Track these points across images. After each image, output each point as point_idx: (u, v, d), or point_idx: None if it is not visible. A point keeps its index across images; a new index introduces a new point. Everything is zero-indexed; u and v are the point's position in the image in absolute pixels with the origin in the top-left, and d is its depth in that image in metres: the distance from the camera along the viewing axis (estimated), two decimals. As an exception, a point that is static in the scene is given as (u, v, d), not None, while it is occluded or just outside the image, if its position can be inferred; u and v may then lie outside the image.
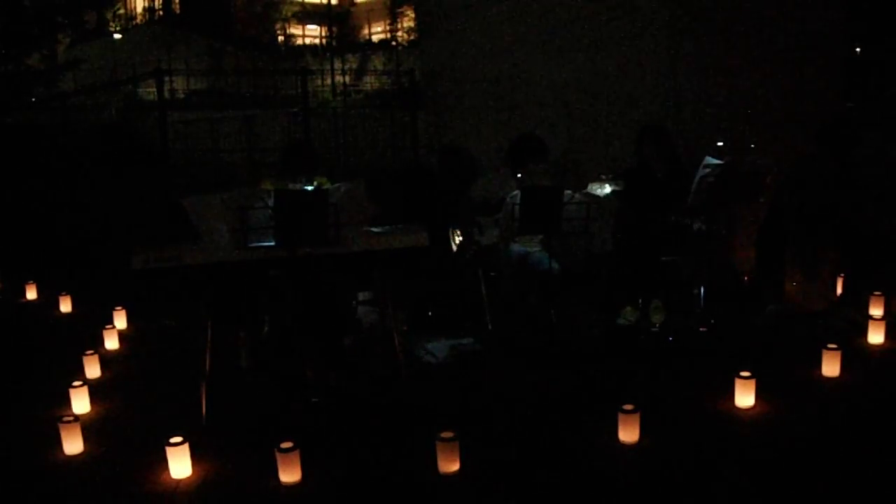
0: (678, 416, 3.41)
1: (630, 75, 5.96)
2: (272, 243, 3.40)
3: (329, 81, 25.95)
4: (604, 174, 5.42)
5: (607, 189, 5.19)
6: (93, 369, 4.22)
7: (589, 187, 5.28)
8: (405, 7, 32.83)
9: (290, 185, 4.31)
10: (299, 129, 11.66)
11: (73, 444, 3.25)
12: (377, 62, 30.44)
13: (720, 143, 5.50)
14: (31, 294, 6.28)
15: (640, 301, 4.69)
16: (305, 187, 4.20)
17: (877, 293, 4.60)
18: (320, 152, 4.84)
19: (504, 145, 6.32)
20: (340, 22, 37.10)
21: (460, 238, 4.73)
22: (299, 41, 36.39)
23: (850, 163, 4.78)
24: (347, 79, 28.19)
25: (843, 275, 4.97)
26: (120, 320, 5.13)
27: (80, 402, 3.70)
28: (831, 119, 5.00)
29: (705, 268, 4.57)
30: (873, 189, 4.98)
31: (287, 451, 2.88)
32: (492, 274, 4.72)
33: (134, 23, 36.24)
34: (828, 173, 4.71)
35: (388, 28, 36.18)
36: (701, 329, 4.47)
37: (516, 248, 4.70)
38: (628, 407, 3.13)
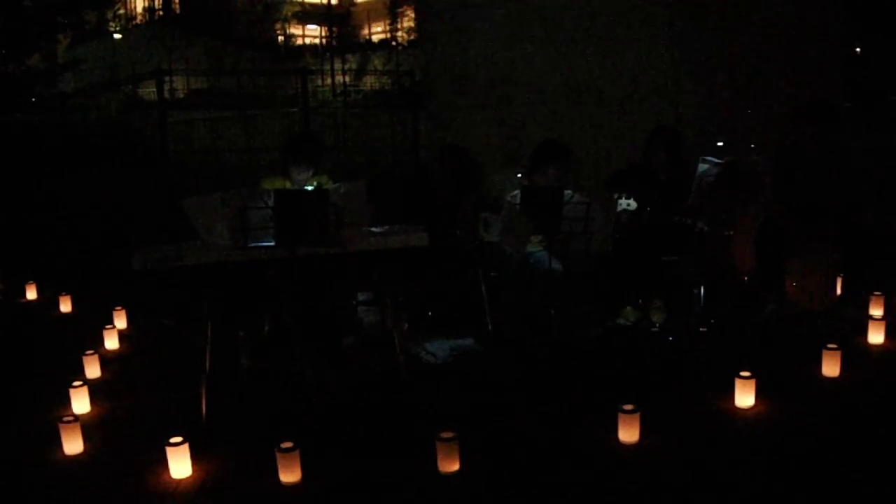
0: (678, 416, 3.41)
1: (630, 75, 5.96)
2: (272, 243, 3.40)
3: (329, 81, 25.95)
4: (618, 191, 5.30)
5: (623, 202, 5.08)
6: (93, 369, 4.22)
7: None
8: (405, 7, 32.83)
9: (294, 174, 4.31)
10: (300, 129, 11.64)
11: (73, 444, 3.25)
12: (377, 62, 30.45)
13: (720, 143, 5.50)
14: (31, 294, 6.27)
15: (640, 301, 4.69)
16: (305, 187, 4.20)
17: (877, 293, 4.60)
18: (324, 143, 4.82)
19: (504, 145, 6.33)
20: (340, 22, 37.10)
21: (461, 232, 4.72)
22: (299, 41, 36.37)
23: (833, 146, 4.73)
24: (347, 79, 28.19)
25: (843, 275, 4.97)
26: (120, 320, 5.13)
27: (80, 402, 3.70)
28: (809, 101, 4.95)
29: (705, 268, 4.57)
30: (873, 189, 4.97)
31: (287, 451, 2.88)
32: (492, 274, 4.71)
33: (134, 23, 36.21)
34: (811, 157, 4.68)
35: (388, 28, 36.17)
36: (701, 329, 4.47)
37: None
38: (628, 407, 3.13)
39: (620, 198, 4.39)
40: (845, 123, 4.91)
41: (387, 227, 3.89)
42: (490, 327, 4.54)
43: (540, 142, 4.80)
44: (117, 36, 31.56)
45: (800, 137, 4.72)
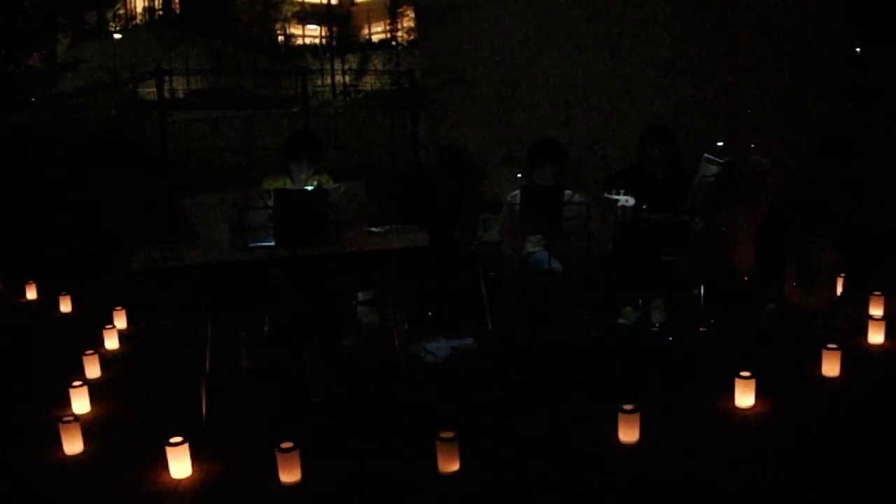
0: (678, 416, 3.41)
1: (630, 75, 5.96)
2: (272, 243, 3.40)
3: (329, 81, 25.94)
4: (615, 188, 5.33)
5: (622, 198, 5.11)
6: (93, 369, 4.22)
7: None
8: (405, 7, 32.81)
9: (294, 171, 4.31)
10: (300, 129, 11.63)
11: (73, 444, 3.25)
12: (377, 62, 30.45)
13: (720, 143, 5.50)
14: (31, 294, 6.28)
15: (640, 301, 4.69)
16: (306, 186, 4.20)
17: (877, 293, 4.60)
18: (324, 142, 4.83)
19: (504, 145, 6.32)
20: (340, 22, 37.08)
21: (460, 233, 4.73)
22: (299, 41, 36.36)
23: (852, 173, 4.78)
24: (347, 79, 28.18)
25: (843, 275, 4.97)
26: (120, 320, 5.13)
27: (80, 402, 3.70)
28: (833, 132, 5.01)
29: (705, 268, 4.57)
30: (873, 189, 4.98)
31: (287, 451, 2.88)
32: (492, 274, 4.71)
33: (134, 23, 36.22)
34: (829, 184, 4.71)
35: (388, 28, 36.18)
36: (701, 329, 4.47)
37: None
38: (628, 407, 3.13)
39: (618, 193, 4.39)
40: (863, 155, 4.99)
41: (387, 227, 3.89)
42: (490, 327, 4.54)
43: (536, 140, 4.80)
44: (117, 36, 31.54)
45: (822, 164, 4.78)
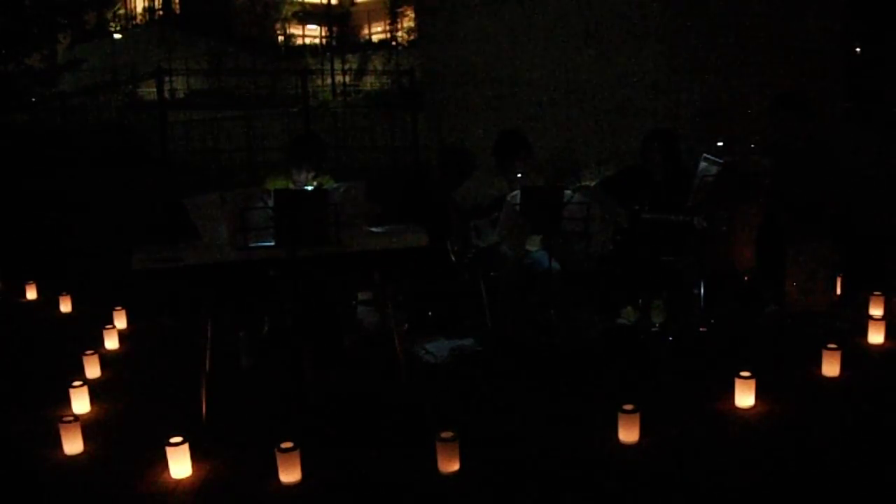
0: (678, 416, 3.41)
1: (630, 75, 5.96)
2: (272, 243, 3.40)
3: (329, 81, 25.92)
4: (595, 163, 5.39)
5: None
6: (93, 369, 4.22)
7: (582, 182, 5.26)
8: (405, 7, 32.79)
9: (295, 175, 4.31)
10: (300, 129, 11.65)
11: (73, 444, 3.25)
12: (377, 62, 30.41)
13: (720, 143, 5.50)
14: (31, 294, 6.27)
15: (640, 301, 4.69)
16: (306, 187, 4.20)
17: (877, 293, 4.60)
18: (327, 145, 4.84)
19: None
20: (340, 22, 37.06)
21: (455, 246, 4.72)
22: (299, 41, 36.33)
23: (811, 135, 4.77)
24: (347, 79, 28.15)
25: (842, 275, 4.96)
26: (120, 320, 5.13)
27: (80, 402, 3.70)
28: (781, 92, 5.01)
29: (705, 267, 4.57)
30: (874, 189, 4.98)
31: (287, 451, 2.88)
32: (492, 274, 4.71)
33: (134, 23, 36.20)
34: (792, 150, 4.71)
35: (388, 28, 36.15)
36: (701, 329, 4.47)
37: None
38: (628, 407, 3.13)
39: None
40: (820, 117, 4.98)
41: (387, 227, 3.89)
42: (490, 327, 4.54)
43: (497, 138, 4.82)
44: (117, 36, 31.51)
45: (777, 128, 4.77)
